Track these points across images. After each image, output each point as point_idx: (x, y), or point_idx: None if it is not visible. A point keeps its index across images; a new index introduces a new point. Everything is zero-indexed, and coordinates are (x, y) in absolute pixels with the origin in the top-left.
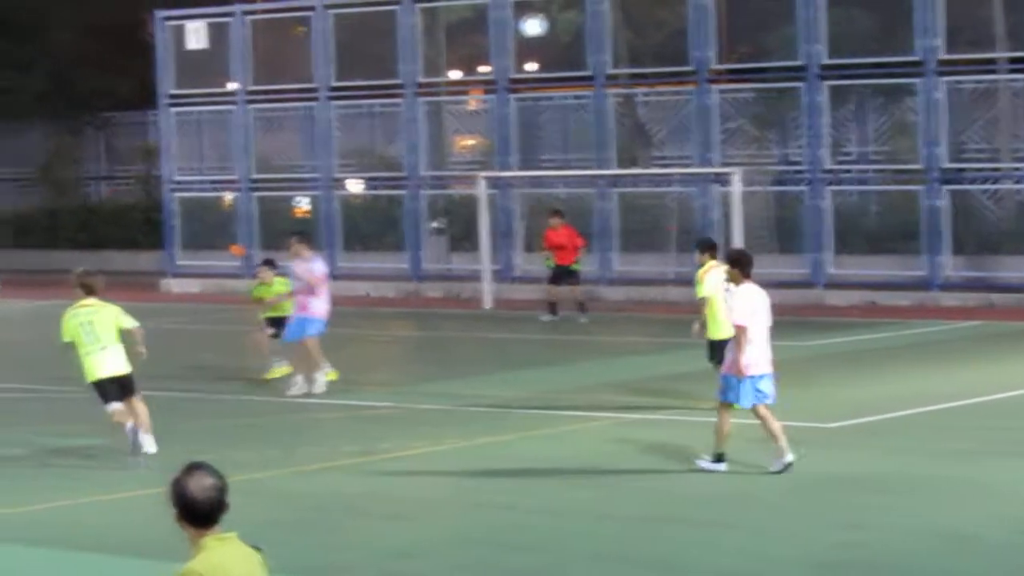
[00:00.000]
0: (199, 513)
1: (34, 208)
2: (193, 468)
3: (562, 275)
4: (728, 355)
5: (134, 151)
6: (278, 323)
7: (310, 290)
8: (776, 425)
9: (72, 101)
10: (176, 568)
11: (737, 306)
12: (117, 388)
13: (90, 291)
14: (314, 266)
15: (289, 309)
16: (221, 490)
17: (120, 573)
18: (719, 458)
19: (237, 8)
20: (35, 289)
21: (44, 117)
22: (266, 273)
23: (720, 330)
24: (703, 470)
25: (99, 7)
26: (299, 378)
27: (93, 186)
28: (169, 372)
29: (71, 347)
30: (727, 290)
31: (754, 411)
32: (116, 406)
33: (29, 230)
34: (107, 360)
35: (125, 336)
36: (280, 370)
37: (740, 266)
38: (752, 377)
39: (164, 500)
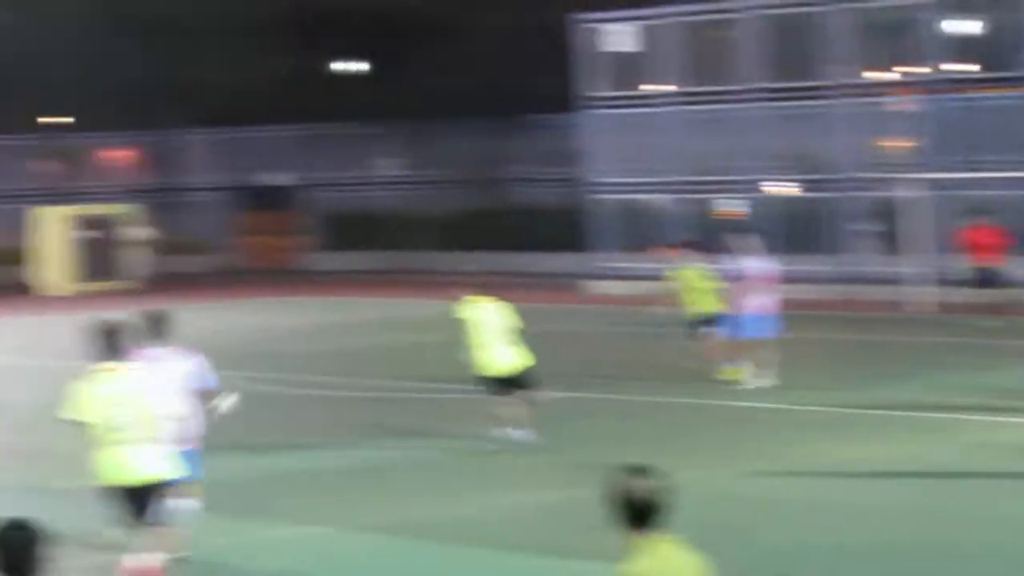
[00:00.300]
0: (639, 514)
1: (459, 210)
2: (633, 470)
3: (986, 277)
4: None
5: (558, 153)
6: (710, 322)
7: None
8: None
9: (501, 103)
10: (613, 569)
11: None
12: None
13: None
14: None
15: (711, 306)
16: (661, 492)
17: (548, 573)
18: None
19: (664, 10)
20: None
21: (472, 119)
22: (685, 256)
23: None
24: None
25: (526, 8)
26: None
27: (518, 188)
28: (595, 373)
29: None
30: None
31: None
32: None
33: (454, 231)
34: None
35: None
36: (733, 371)
37: None
38: None
39: (601, 501)
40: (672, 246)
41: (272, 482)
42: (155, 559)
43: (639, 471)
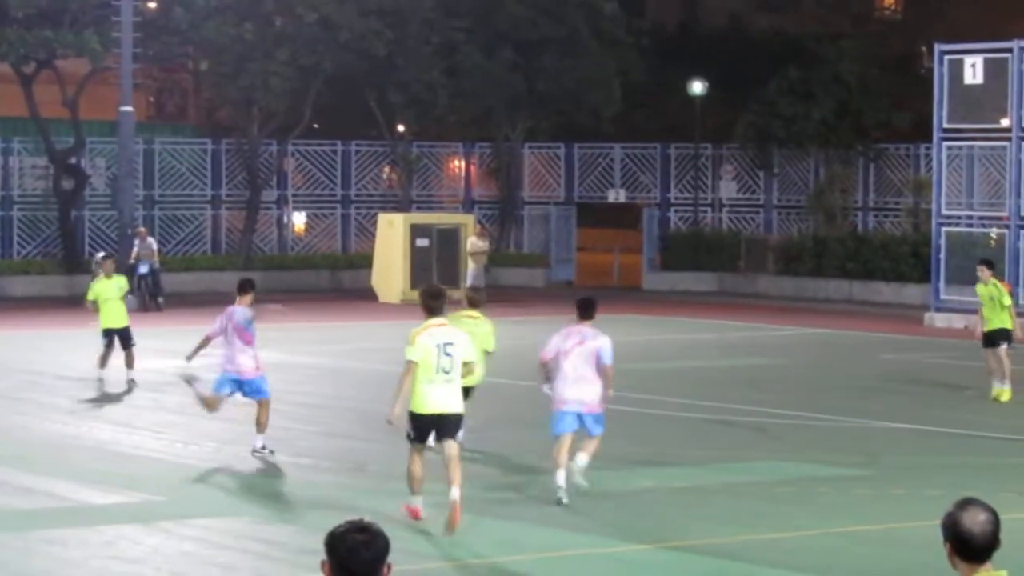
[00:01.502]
0: (973, 548)
1: (803, 235)
2: (967, 503)
3: None
4: None
5: (904, 183)
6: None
7: None
8: None
9: (853, 131)
10: None
11: None
12: None
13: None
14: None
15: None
16: (996, 525)
17: None
18: None
19: (1016, 44)
20: (801, 316)
21: (820, 145)
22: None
23: None
24: None
25: (880, 37)
26: None
27: (861, 216)
28: (930, 406)
29: None
30: None
31: None
32: None
33: (798, 257)
34: None
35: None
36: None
37: None
38: None
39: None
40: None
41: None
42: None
43: (972, 503)
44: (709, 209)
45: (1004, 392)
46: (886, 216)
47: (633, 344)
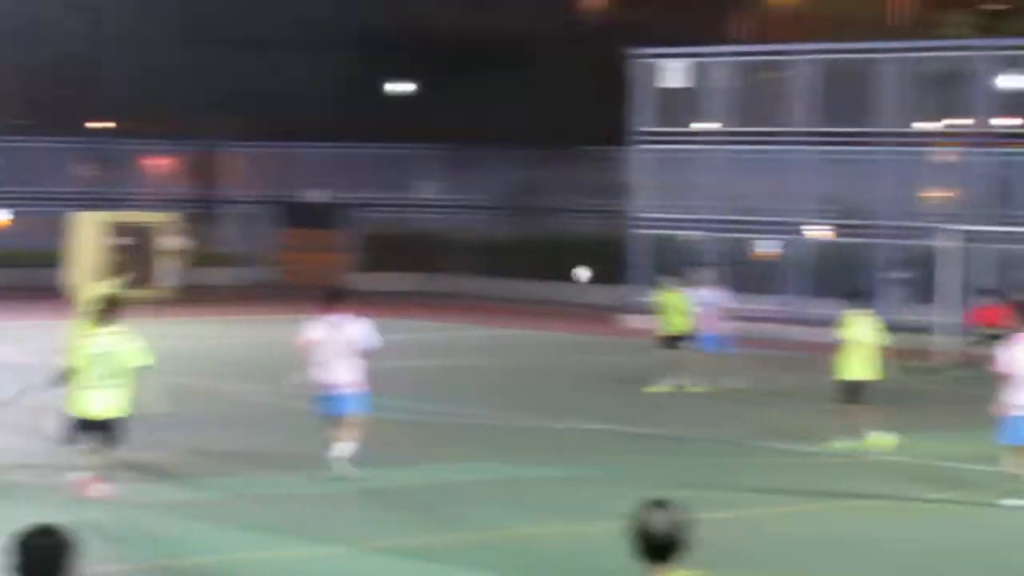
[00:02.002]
0: (658, 549)
1: (506, 235)
2: (655, 504)
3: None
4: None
5: (602, 185)
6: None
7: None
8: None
9: (554, 133)
10: None
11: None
12: None
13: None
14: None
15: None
16: (683, 527)
17: None
18: None
19: (715, 49)
20: (503, 316)
21: (519, 147)
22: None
23: None
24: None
25: (582, 40)
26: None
27: (560, 218)
28: (632, 408)
29: None
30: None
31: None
32: None
33: (500, 257)
34: None
35: None
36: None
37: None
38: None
39: (625, 533)
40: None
41: (298, 501)
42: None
43: (659, 504)
44: (414, 209)
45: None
46: (584, 217)
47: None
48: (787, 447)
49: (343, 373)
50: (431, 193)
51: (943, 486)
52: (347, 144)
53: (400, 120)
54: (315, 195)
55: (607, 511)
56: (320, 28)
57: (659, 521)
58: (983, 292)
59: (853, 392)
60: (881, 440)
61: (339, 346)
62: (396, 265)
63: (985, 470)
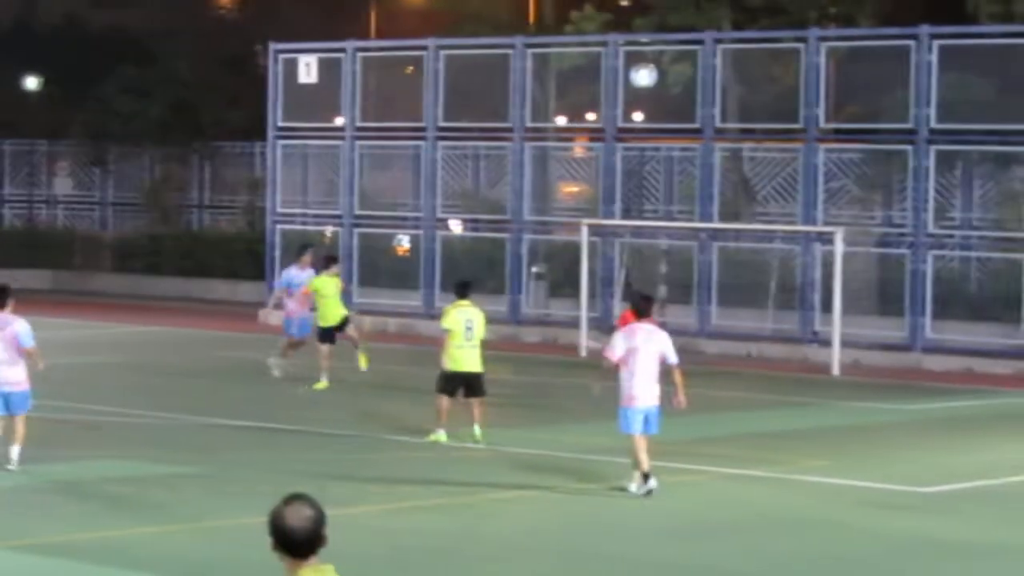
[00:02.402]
0: (295, 543)
1: (139, 233)
2: (292, 498)
3: None
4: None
5: (240, 181)
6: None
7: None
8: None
9: (189, 129)
10: None
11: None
12: None
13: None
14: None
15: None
16: (318, 521)
17: None
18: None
19: (349, 44)
20: (138, 313)
21: (158, 143)
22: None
23: None
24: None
25: (216, 36)
26: None
27: (196, 214)
28: (265, 403)
29: None
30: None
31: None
32: None
33: (134, 254)
34: None
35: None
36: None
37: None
38: (635, 408)
39: (264, 529)
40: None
41: None
42: None
43: (296, 499)
44: (44, 206)
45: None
46: (222, 214)
47: None
48: (407, 440)
49: (12, 372)
50: (64, 190)
51: (555, 475)
52: None
53: (33, 115)
54: None
55: (236, 507)
56: None
57: (296, 516)
58: (626, 291)
59: (457, 383)
60: (476, 435)
61: (6, 344)
62: (26, 262)
63: (604, 460)
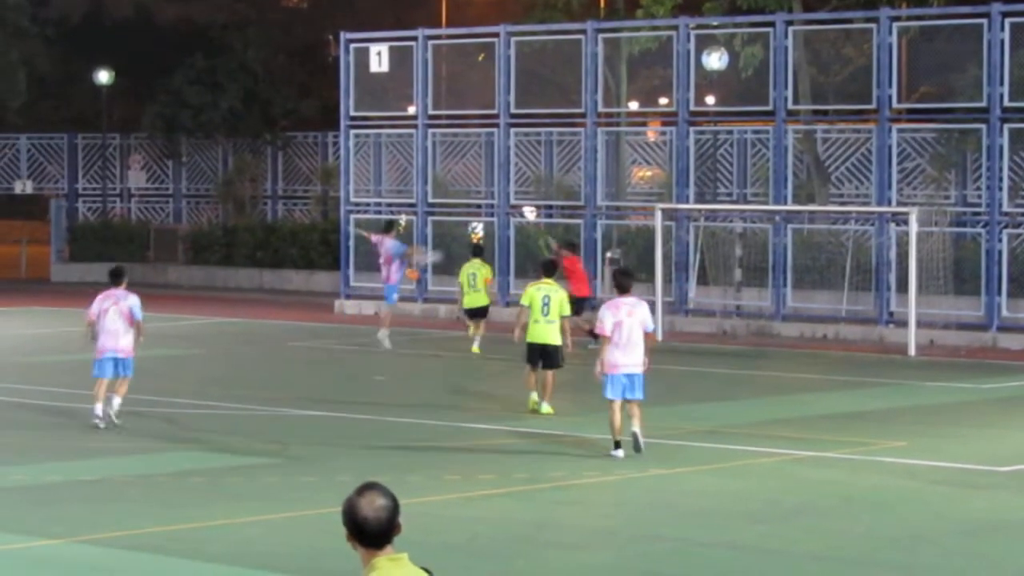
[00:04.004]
0: (369, 533)
1: (213, 225)
2: (365, 488)
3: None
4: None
5: (313, 171)
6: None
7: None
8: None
9: (261, 120)
10: None
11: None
12: None
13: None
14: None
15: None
16: (393, 511)
17: None
18: (616, 445)
19: (420, 32)
20: (212, 306)
21: (229, 135)
22: None
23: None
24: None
25: (286, 27)
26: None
27: (270, 205)
28: (340, 392)
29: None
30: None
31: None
32: None
33: (208, 246)
34: None
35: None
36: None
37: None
38: (619, 375)
39: (339, 519)
40: (411, 269)
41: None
42: None
43: (370, 489)
44: (118, 199)
45: None
46: (295, 204)
47: (44, 337)
48: (482, 427)
49: (124, 340)
50: (138, 183)
51: (629, 460)
52: (54, 134)
53: (104, 109)
54: (19, 186)
55: (312, 498)
56: (20, 16)
57: (370, 506)
58: (568, 243)
59: (535, 354)
60: (544, 408)
61: (122, 316)
62: (101, 256)
63: (677, 444)
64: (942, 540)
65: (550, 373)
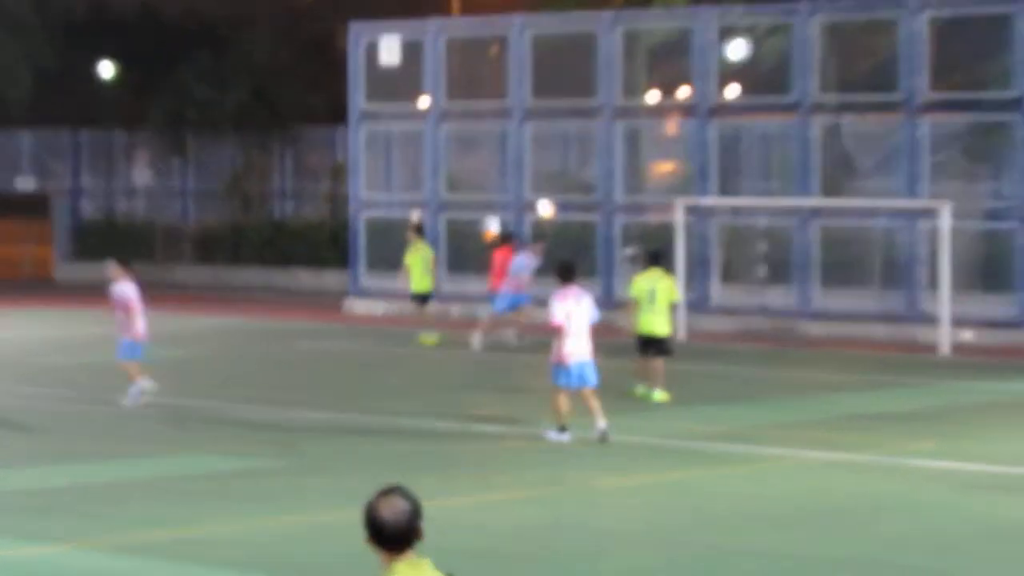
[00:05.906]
0: (387, 536)
1: (220, 223)
2: (388, 491)
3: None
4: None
5: (322, 168)
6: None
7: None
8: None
9: (269, 116)
10: None
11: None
12: None
13: None
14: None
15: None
16: (412, 515)
17: None
18: (562, 429)
19: (431, 24)
20: (219, 305)
21: (236, 131)
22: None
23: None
24: (550, 440)
25: (293, 19)
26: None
27: (278, 203)
28: (350, 394)
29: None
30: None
31: (580, 393)
32: None
33: (215, 245)
34: None
35: None
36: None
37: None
38: (572, 364)
39: (352, 523)
40: None
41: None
42: None
43: (392, 492)
44: (124, 197)
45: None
46: (305, 201)
47: (48, 339)
48: (497, 430)
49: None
50: (143, 180)
51: (651, 464)
52: (56, 130)
53: (109, 105)
54: (22, 184)
55: (320, 502)
56: (20, 10)
57: (390, 510)
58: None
59: (647, 345)
60: (655, 396)
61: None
62: (110, 254)
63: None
64: (972, 545)
65: (660, 361)
